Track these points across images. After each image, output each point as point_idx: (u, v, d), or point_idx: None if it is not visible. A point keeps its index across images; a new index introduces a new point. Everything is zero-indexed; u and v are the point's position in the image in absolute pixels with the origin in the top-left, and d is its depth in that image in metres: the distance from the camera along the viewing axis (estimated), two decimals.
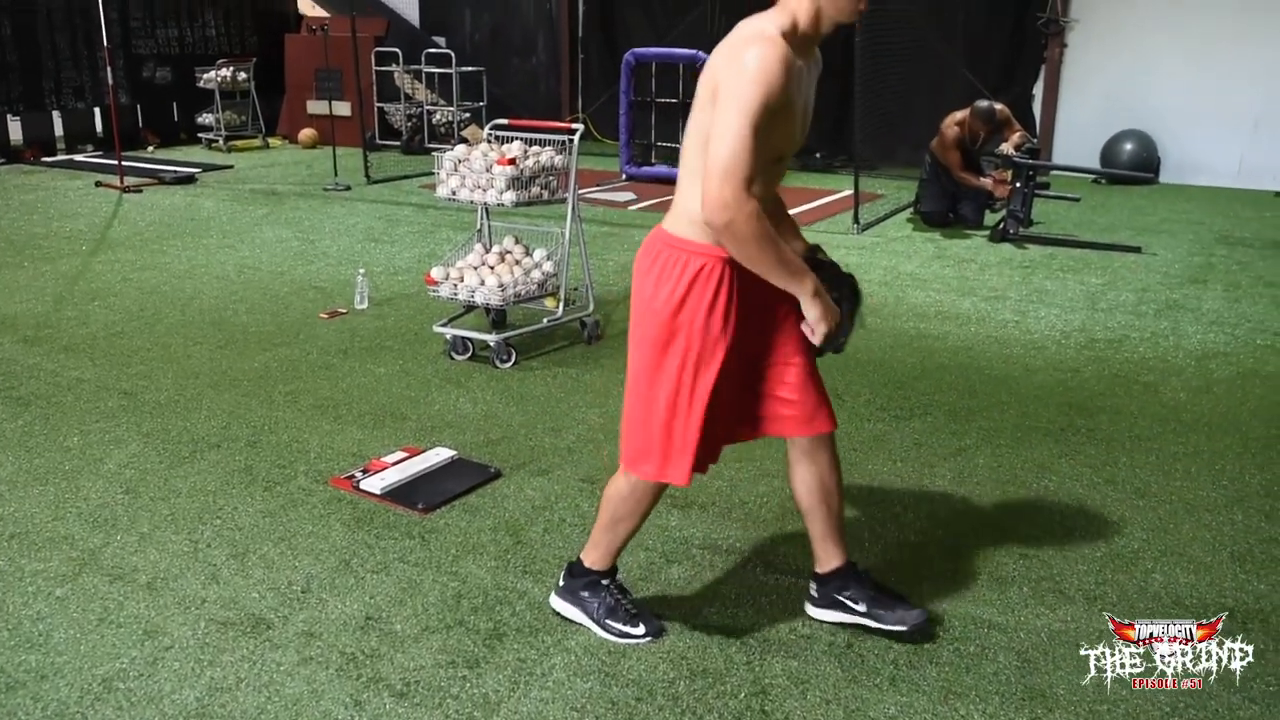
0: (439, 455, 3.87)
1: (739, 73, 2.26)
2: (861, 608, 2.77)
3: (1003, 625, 2.85)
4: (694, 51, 9.76)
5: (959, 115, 7.97)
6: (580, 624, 2.83)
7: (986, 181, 8.06)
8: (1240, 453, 4.02)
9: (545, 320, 5.15)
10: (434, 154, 5.20)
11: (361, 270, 6.09)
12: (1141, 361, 5.10)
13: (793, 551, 3.24)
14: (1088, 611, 2.88)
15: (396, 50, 12.67)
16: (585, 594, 2.83)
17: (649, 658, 2.70)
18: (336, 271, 6.77)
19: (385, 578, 3.09)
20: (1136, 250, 7.49)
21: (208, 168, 11.24)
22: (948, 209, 8.24)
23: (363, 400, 4.51)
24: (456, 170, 4.92)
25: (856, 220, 8.17)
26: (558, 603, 2.88)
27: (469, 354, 5.01)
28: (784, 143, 2.39)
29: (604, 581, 2.82)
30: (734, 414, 2.64)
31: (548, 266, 5.12)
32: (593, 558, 2.82)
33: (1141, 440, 4.14)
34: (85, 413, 4.36)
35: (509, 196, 4.84)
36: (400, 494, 3.58)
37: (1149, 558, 3.21)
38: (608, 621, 2.78)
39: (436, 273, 5.02)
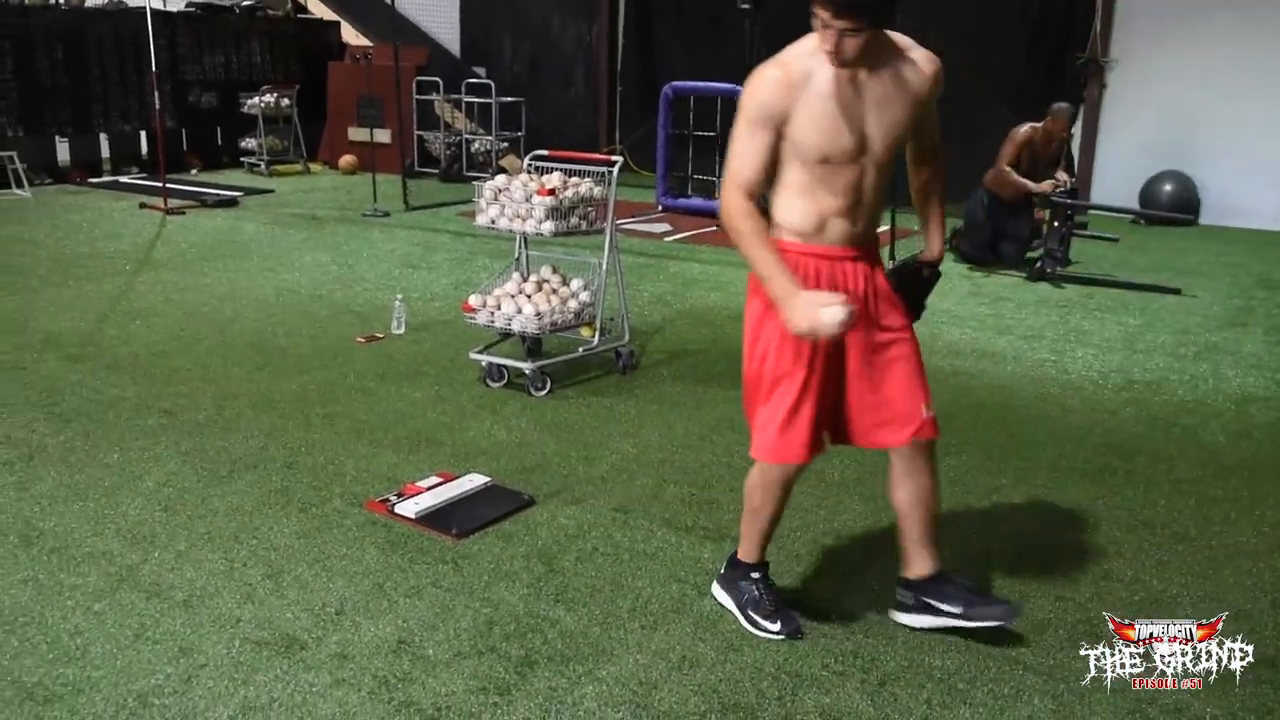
0: (473, 481, 3.89)
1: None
2: (958, 610, 2.88)
3: (1037, 668, 2.82)
4: (732, 86, 9.81)
5: (1023, 129, 7.87)
6: (729, 611, 3.05)
7: (1046, 185, 7.85)
8: None
9: (580, 349, 5.17)
10: (473, 183, 5.25)
11: (399, 296, 6.14)
12: (1180, 404, 5.05)
13: (824, 586, 3.23)
14: None
15: (437, 80, 12.83)
16: (741, 584, 3.02)
17: (680, 690, 2.69)
18: (374, 296, 6.84)
19: (418, 602, 3.10)
20: (1175, 292, 7.43)
21: (249, 191, 11.40)
22: (989, 248, 8.18)
23: (398, 425, 4.54)
24: (496, 199, 4.97)
25: (892, 256, 8.15)
26: (716, 590, 3.12)
27: (504, 381, 5.04)
28: (819, 145, 2.61)
29: (753, 575, 3.01)
30: (831, 410, 2.83)
31: (584, 296, 5.15)
32: (742, 550, 3.04)
33: (1180, 484, 4.10)
34: (125, 430, 4.42)
35: (548, 226, 4.88)
36: (434, 519, 3.59)
37: (1187, 603, 3.17)
38: (749, 613, 2.98)
39: (474, 300, 5.06)
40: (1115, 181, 10.84)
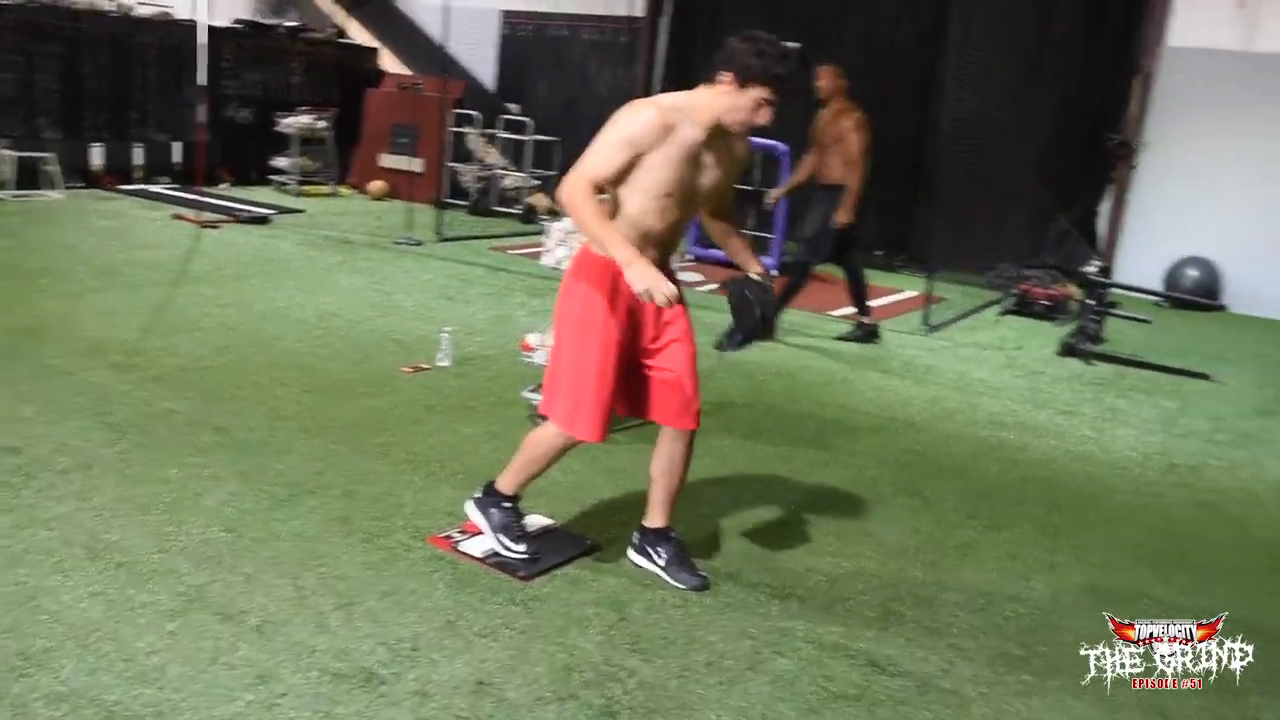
0: (536, 522, 3.89)
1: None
2: (662, 562, 3.55)
3: None
4: (773, 142, 9.92)
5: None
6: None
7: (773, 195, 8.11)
8: None
9: None
10: (543, 223, 5.30)
11: (447, 329, 6.14)
12: (1224, 491, 5.08)
13: (899, 653, 3.23)
14: None
15: (475, 113, 12.91)
16: (493, 510, 3.64)
17: None
18: (414, 326, 6.85)
19: (493, 643, 3.09)
20: (1204, 377, 7.47)
21: (280, 210, 11.42)
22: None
23: (452, 459, 4.54)
24: (565, 241, 5.01)
25: (926, 322, 8.21)
26: (469, 508, 3.70)
27: None
28: (668, 183, 3.22)
29: (505, 504, 3.65)
30: (623, 392, 3.44)
31: None
32: (503, 482, 3.65)
33: (1234, 572, 4.11)
34: (180, 445, 4.41)
35: None
36: (501, 559, 3.59)
37: (1256, 694, 3.17)
38: (500, 535, 3.59)
39: (532, 339, 5.08)
40: (1138, 263, 10.90)
